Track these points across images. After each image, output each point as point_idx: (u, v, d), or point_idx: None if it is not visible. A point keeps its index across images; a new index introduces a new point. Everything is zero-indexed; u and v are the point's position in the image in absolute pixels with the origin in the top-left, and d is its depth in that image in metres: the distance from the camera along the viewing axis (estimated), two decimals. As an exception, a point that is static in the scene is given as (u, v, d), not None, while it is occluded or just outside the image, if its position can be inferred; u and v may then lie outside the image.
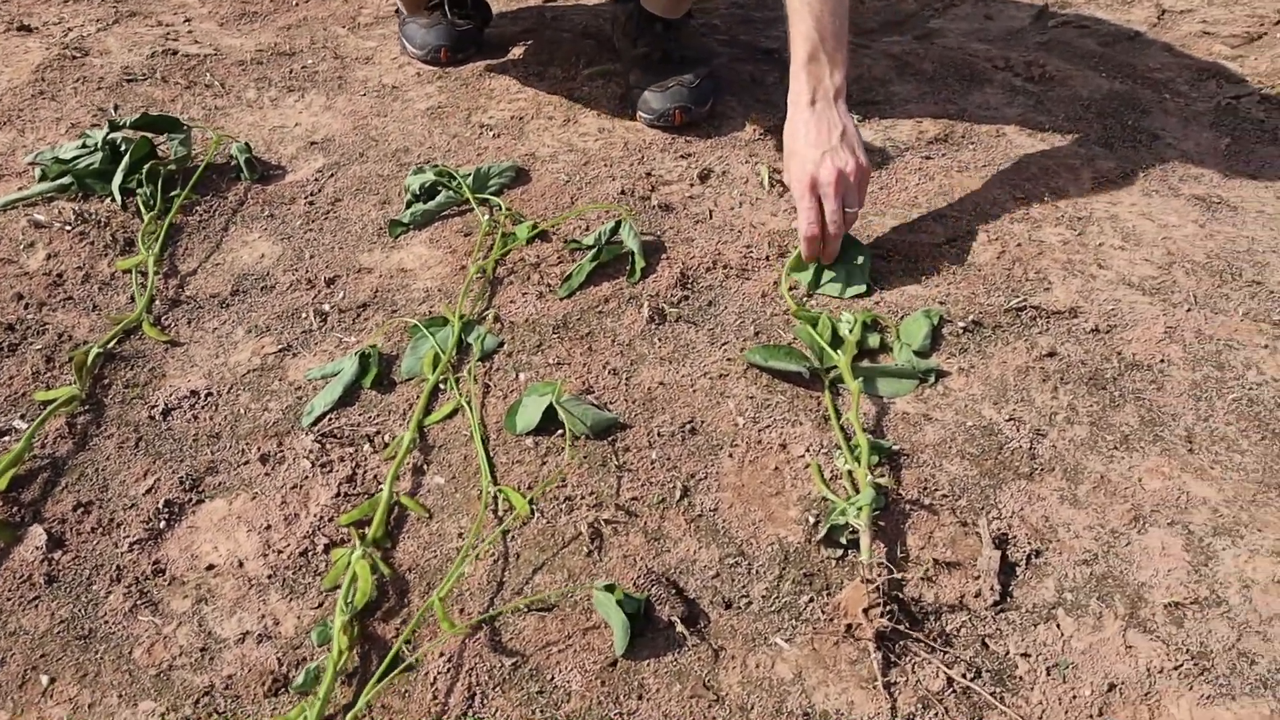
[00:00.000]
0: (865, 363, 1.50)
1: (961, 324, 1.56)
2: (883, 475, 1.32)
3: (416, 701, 1.12)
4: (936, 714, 1.08)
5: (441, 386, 1.51)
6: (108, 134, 1.95)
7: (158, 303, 1.70)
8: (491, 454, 1.40)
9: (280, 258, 1.79)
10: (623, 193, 1.88)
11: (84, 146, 1.96)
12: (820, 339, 1.50)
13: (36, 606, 1.24)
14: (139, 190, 1.90)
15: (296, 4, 2.75)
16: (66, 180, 1.93)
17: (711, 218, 1.83)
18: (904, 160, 1.97)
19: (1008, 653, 1.14)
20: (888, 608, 1.14)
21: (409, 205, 1.87)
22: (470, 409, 1.45)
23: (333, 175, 2.00)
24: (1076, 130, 2.06)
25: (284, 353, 1.59)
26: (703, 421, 1.43)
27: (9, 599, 1.25)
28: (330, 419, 1.47)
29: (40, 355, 1.58)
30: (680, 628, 1.17)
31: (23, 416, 1.48)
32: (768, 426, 1.41)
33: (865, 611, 1.13)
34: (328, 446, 1.42)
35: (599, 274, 1.70)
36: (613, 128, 2.11)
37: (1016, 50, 2.37)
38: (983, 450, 1.37)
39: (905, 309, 1.60)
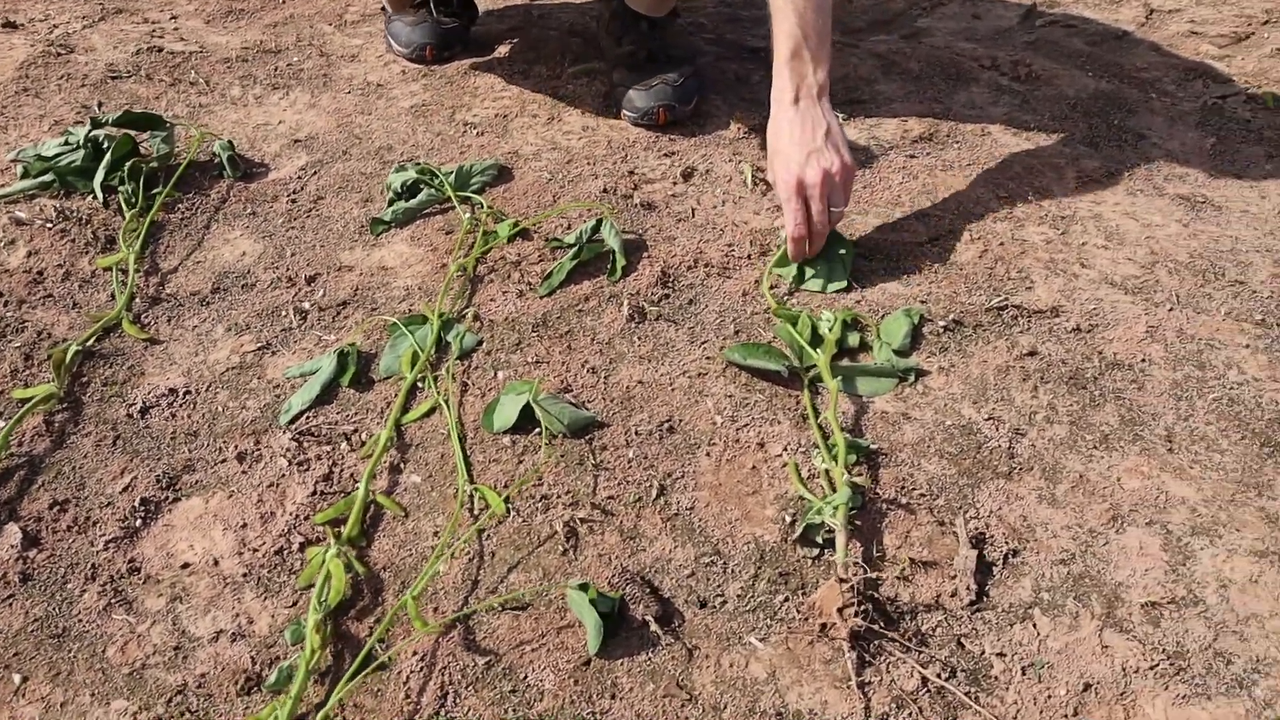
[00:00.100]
0: (845, 361, 1.50)
1: (942, 323, 1.55)
2: (860, 474, 1.32)
3: (389, 700, 1.12)
4: (910, 714, 1.08)
5: (420, 385, 1.50)
6: (90, 131, 1.94)
7: (138, 300, 1.69)
8: (468, 452, 1.40)
9: (261, 255, 1.78)
10: (605, 191, 1.88)
11: (66, 144, 1.95)
12: (800, 337, 1.49)
13: (10, 605, 1.23)
14: (120, 188, 1.90)
15: (284, 1, 2.74)
16: (48, 178, 1.92)
17: (694, 216, 1.82)
18: (888, 159, 1.97)
19: (983, 652, 1.14)
20: (862, 607, 1.13)
21: (391, 203, 1.87)
22: (448, 407, 1.45)
23: (315, 173, 2.00)
24: (1062, 129, 2.05)
25: (263, 351, 1.58)
26: (681, 420, 1.42)
27: (-18, 597, 1.24)
28: (308, 417, 1.47)
29: (19, 353, 1.57)
30: (654, 627, 1.16)
31: (0, 414, 1.47)
32: (746, 425, 1.41)
33: (840, 611, 1.13)
34: (305, 445, 1.42)
35: (580, 272, 1.70)
36: (597, 126, 2.10)
37: (1003, 49, 2.37)
38: (961, 449, 1.37)
39: (886, 308, 1.60)
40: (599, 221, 1.73)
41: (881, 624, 1.14)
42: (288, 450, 1.41)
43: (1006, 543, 1.25)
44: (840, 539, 1.20)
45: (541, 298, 1.65)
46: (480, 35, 2.47)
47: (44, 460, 1.42)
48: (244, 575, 1.26)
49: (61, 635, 1.20)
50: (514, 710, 1.10)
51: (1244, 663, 1.11)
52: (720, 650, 1.15)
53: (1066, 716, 1.08)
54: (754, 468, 1.35)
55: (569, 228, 1.79)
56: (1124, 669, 1.11)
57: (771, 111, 1.66)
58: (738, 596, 1.20)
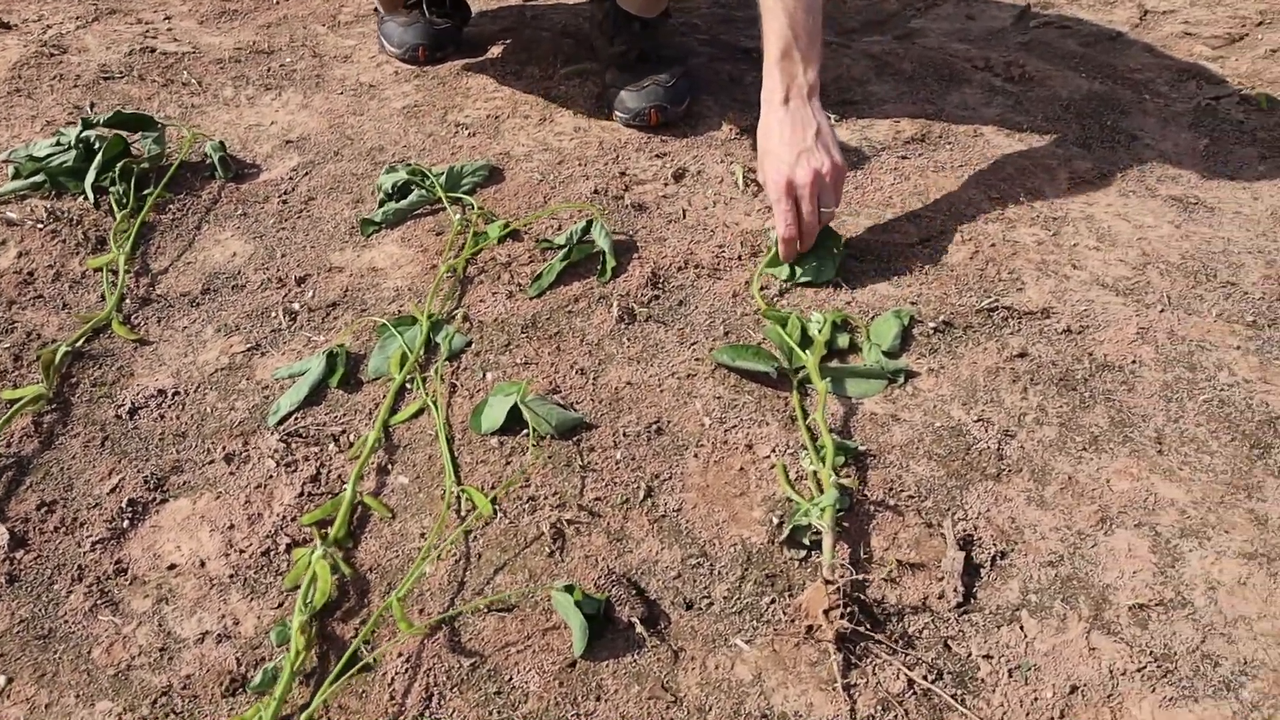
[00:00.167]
0: (834, 363, 1.50)
1: (932, 324, 1.55)
2: (848, 476, 1.31)
3: (374, 702, 1.12)
4: (896, 716, 1.08)
5: (408, 386, 1.50)
6: (81, 132, 1.94)
7: (128, 301, 1.69)
8: (456, 454, 1.39)
9: (252, 256, 1.78)
10: (596, 192, 1.88)
11: (58, 144, 1.94)
12: (789, 339, 1.49)
13: (-4, 606, 1.23)
14: (112, 188, 1.89)
15: (277, 2, 2.74)
16: (40, 178, 1.92)
17: (685, 217, 1.82)
18: (880, 160, 1.96)
19: (970, 654, 1.14)
20: (848, 609, 1.13)
21: (381, 204, 1.86)
22: (436, 408, 1.45)
23: (307, 174, 1.99)
24: (1055, 131, 2.05)
25: (252, 352, 1.58)
26: (669, 421, 1.42)
27: (-32, 599, 1.24)
28: (296, 418, 1.46)
29: (8, 354, 1.57)
30: (640, 629, 1.16)
31: (-12, 415, 1.47)
32: (734, 427, 1.41)
33: (826, 613, 1.13)
34: (293, 446, 1.42)
35: (570, 273, 1.69)
36: (589, 127, 2.10)
37: (997, 50, 2.37)
38: (950, 451, 1.37)
39: (876, 309, 1.59)
40: (589, 222, 1.72)
41: (868, 626, 1.14)
42: (275, 451, 1.40)
43: (994, 544, 1.24)
44: (827, 541, 1.19)
45: (531, 299, 1.65)
46: (473, 36, 2.47)
47: (32, 461, 1.41)
48: (230, 576, 1.26)
49: (47, 636, 1.20)
50: (499, 712, 1.10)
51: (1231, 665, 1.11)
52: (706, 652, 1.15)
53: (1053, 719, 1.07)
54: (742, 469, 1.35)
55: (559, 229, 1.79)
56: (1111, 671, 1.11)
57: (762, 112, 1.65)
58: (724, 598, 1.20)
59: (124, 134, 1.98)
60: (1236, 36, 2.40)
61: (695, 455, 1.37)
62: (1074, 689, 1.09)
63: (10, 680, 1.15)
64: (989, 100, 2.16)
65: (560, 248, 1.71)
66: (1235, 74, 2.24)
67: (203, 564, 1.27)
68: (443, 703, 1.11)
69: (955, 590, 1.19)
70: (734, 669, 1.13)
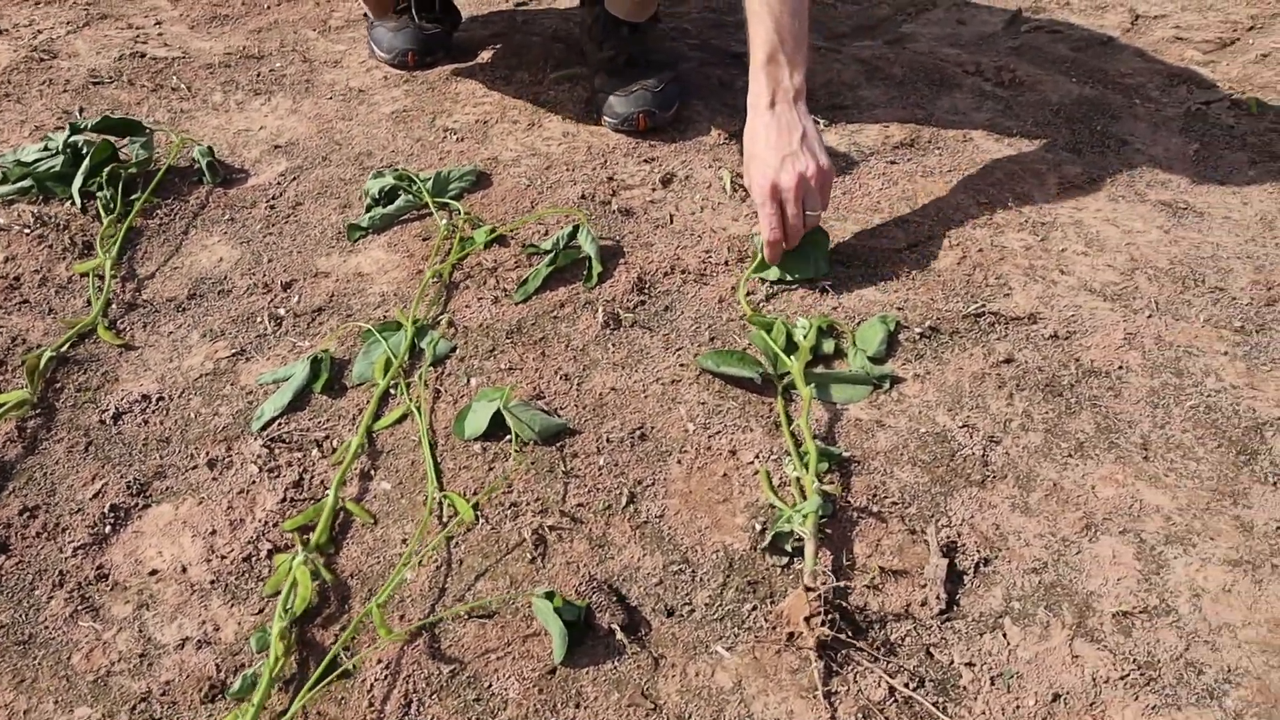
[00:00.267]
0: (820, 369, 1.49)
1: (919, 330, 1.55)
2: (832, 482, 1.31)
3: (353, 708, 1.11)
4: (877, 724, 1.07)
5: (392, 392, 1.50)
6: (69, 137, 1.94)
7: (114, 306, 1.69)
8: (439, 459, 1.39)
9: (238, 262, 1.77)
10: (583, 197, 1.87)
11: (46, 149, 1.94)
12: (774, 344, 1.48)
13: (-24, 612, 1.23)
14: (99, 193, 1.89)
15: (268, 7, 2.73)
16: (27, 183, 1.91)
17: (672, 222, 1.82)
18: (868, 165, 1.96)
19: (952, 662, 1.13)
20: (830, 616, 1.12)
21: (368, 209, 1.86)
22: (419, 414, 1.44)
23: (295, 179, 1.99)
24: (1044, 135, 2.05)
25: (237, 357, 1.58)
26: (653, 427, 1.42)
27: (-52, 605, 1.23)
28: (280, 424, 1.46)
29: (-8, 359, 1.57)
30: (620, 635, 1.15)
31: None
32: (718, 433, 1.40)
33: (807, 620, 1.12)
34: (276, 451, 1.41)
35: (556, 279, 1.69)
36: (577, 132, 2.10)
37: (988, 55, 2.36)
38: (935, 457, 1.36)
39: (863, 314, 1.59)
40: (576, 228, 1.72)
41: (849, 633, 1.14)
42: (259, 457, 1.40)
43: (978, 551, 1.24)
44: (809, 547, 1.19)
45: (517, 304, 1.64)
46: (463, 40, 2.46)
47: (15, 466, 1.41)
48: (212, 582, 1.25)
49: (27, 642, 1.20)
50: (478, 719, 1.09)
51: (1215, 673, 1.10)
52: (686, 659, 1.14)
53: (1035, 726, 1.07)
54: (725, 475, 1.34)
55: (546, 234, 1.78)
56: (1094, 679, 1.10)
57: (748, 116, 1.65)
58: (705, 605, 1.20)
59: (112, 139, 1.98)
60: (1228, 41, 2.40)
61: (678, 461, 1.37)
62: (1056, 697, 1.09)
63: (-12, 687, 1.15)
64: (979, 105, 2.15)
65: (546, 253, 1.70)
66: (1226, 79, 2.24)
67: (184, 569, 1.27)
68: (422, 710, 1.10)
69: (938, 597, 1.19)
70: (714, 676, 1.12)
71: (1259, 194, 1.86)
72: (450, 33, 2.41)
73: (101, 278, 1.72)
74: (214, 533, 1.31)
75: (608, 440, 1.40)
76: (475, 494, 1.33)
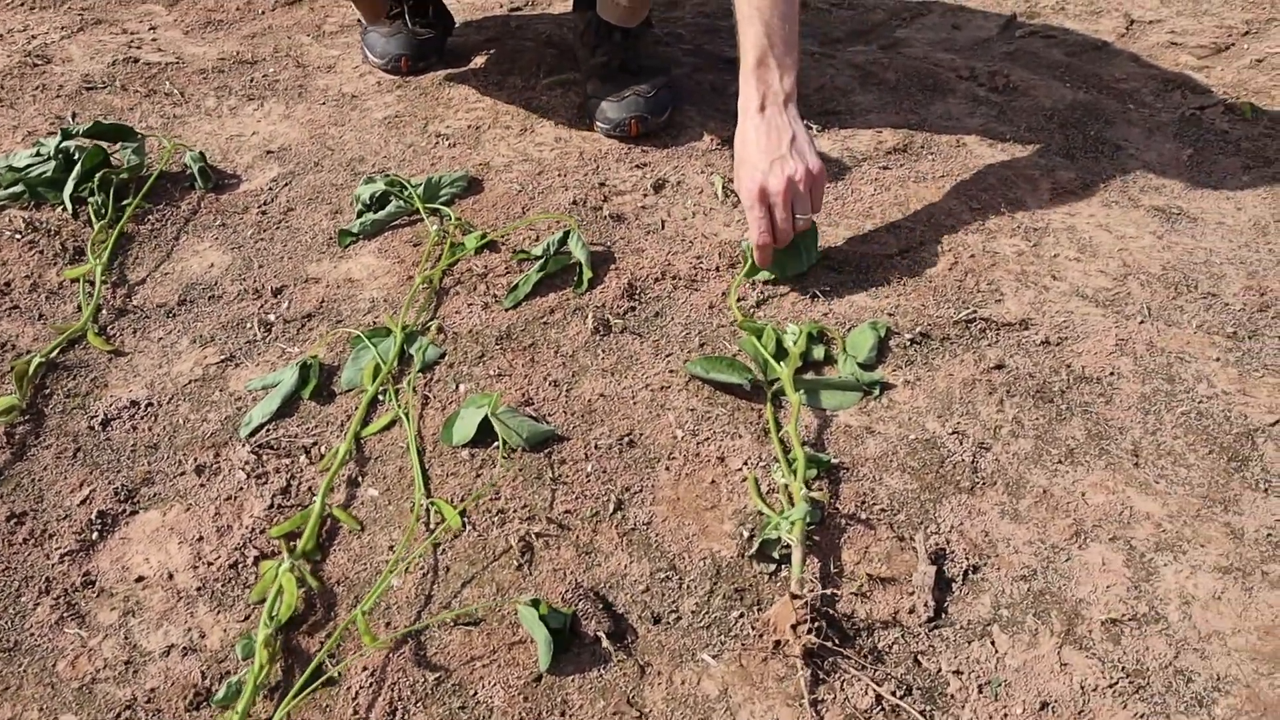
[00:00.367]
0: (809, 375, 1.49)
1: (909, 336, 1.54)
2: (820, 489, 1.30)
3: (337, 716, 1.11)
4: (863, 732, 1.07)
5: (381, 398, 1.49)
6: (61, 142, 1.94)
7: (104, 312, 1.68)
8: (427, 466, 1.38)
9: (229, 267, 1.77)
10: (575, 203, 1.87)
11: (37, 155, 1.94)
12: (764, 350, 1.48)
13: (-39, 620, 1.22)
14: (90, 199, 1.89)
15: (263, 12, 2.73)
16: (18, 189, 1.91)
17: (663, 228, 1.81)
18: (861, 170, 1.96)
19: (939, 670, 1.12)
20: (816, 624, 1.12)
21: (359, 215, 1.85)
22: (408, 420, 1.44)
23: (287, 184, 1.99)
24: (1038, 141, 2.04)
25: (226, 363, 1.57)
26: (641, 434, 1.41)
27: (-68, 612, 1.23)
28: (268, 430, 1.45)
29: (-19, 365, 1.57)
30: (606, 643, 1.15)
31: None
32: (707, 439, 1.40)
33: (794, 628, 1.11)
34: (264, 458, 1.41)
35: (546, 285, 1.68)
36: (569, 137, 2.09)
37: (982, 60, 2.36)
38: (924, 464, 1.36)
39: (853, 320, 1.58)
40: (566, 233, 1.71)
41: (836, 641, 1.13)
42: (246, 463, 1.40)
43: (967, 558, 1.23)
44: (796, 554, 1.18)
45: (506, 310, 1.64)
46: (457, 46, 2.46)
47: (3, 472, 1.41)
48: (198, 589, 1.25)
49: (12, 649, 1.19)
50: (462, 728, 1.09)
51: (1205, 681, 1.10)
52: (673, 667, 1.14)
53: (1023, 735, 1.06)
54: (713, 482, 1.34)
55: (537, 240, 1.78)
56: (1082, 687, 1.10)
57: (738, 120, 1.64)
58: (692, 613, 1.19)
59: (104, 144, 1.98)
60: (1222, 46, 2.39)
61: (667, 468, 1.36)
62: (1044, 705, 1.09)
63: (-28, 695, 1.14)
64: (973, 110, 2.15)
65: (537, 259, 1.70)
66: (1220, 84, 2.24)
67: (171, 576, 1.26)
68: (406, 717, 1.10)
69: (926, 605, 1.18)
70: (700, 684, 1.12)
71: (1252, 199, 1.86)
72: (443, 38, 2.41)
73: (92, 283, 1.71)
74: (201, 539, 1.31)
75: (596, 447, 1.39)
76: (462, 501, 1.33)
